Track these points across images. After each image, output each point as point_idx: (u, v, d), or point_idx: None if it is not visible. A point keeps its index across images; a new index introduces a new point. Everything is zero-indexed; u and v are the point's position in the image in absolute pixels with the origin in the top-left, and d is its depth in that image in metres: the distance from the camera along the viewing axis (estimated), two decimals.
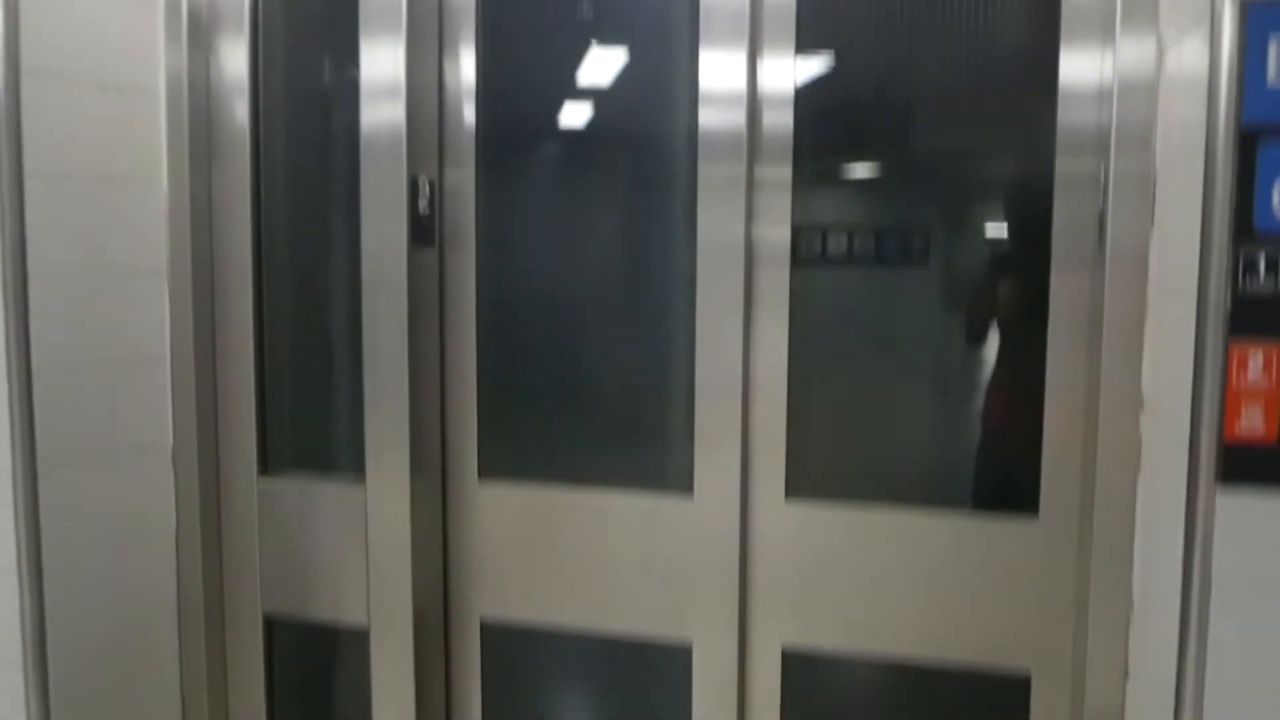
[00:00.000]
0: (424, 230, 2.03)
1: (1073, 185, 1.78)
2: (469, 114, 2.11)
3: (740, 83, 1.94)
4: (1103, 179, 1.72)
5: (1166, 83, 1.61)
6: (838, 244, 1.99)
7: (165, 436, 2.19)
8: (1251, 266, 1.29)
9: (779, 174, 1.96)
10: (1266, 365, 1.30)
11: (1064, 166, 1.79)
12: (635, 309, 2.14)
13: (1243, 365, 1.31)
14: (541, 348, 2.21)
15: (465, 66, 2.11)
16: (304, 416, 2.33)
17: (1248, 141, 1.27)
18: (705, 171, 1.97)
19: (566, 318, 2.19)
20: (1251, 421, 1.31)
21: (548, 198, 2.19)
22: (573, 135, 2.17)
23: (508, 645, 2.22)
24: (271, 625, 2.30)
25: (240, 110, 2.18)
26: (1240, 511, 1.33)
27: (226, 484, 2.26)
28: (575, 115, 2.14)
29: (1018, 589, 1.89)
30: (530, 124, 2.18)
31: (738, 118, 1.94)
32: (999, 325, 1.96)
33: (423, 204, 2.02)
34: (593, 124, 2.14)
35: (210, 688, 2.27)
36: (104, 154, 2.03)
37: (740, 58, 1.94)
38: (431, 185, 2.05)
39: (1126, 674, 1.73)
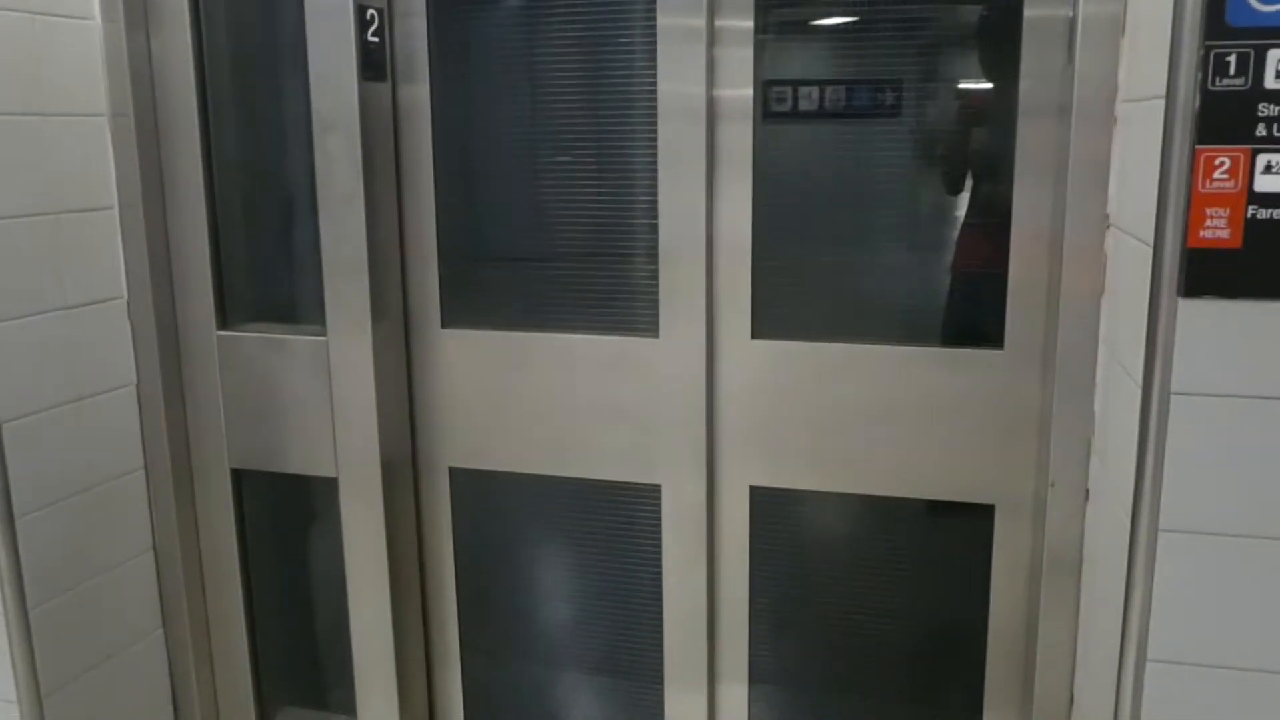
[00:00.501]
0: (375, 63, 1.95)
1: (1042, 10, 1.73)
2: None
3: None
4: None
5: None
6: (805, 96, 1.93)
7: (119, 289, 2.14)
8: (1222, 64, 1.25)
9: (740, 24, 1.90)
10: (1234, 170, 1.27)
11: None
12: (598, 152, 2.08)
13: (1209, 170, 1.28)
14: (502, 189, 2.15)
15: None
16: (261, 265, 2.28)
17: None
18: (664, 21, 1.91)
19: (528, 158, 2.13)
20: (1216, 227, 1.28)
21: (503, 39, 2.10)
22: None
23: (477, 490, 2.23)
24: (240, 477, 2.29)
25: None
26: (1202, 321, 1.31)
27: (185, 337, 2.22)
28: None
29: (982, 422, 1.90)
30: None
31: None
32: (968, 166, 1.92)
33: (371, 34, 1.93)
34: None
35: (182, 542, 2.28)
36: None
37: None
38: (380, 14, 1.95)
39: (1087, 496, 1.75)
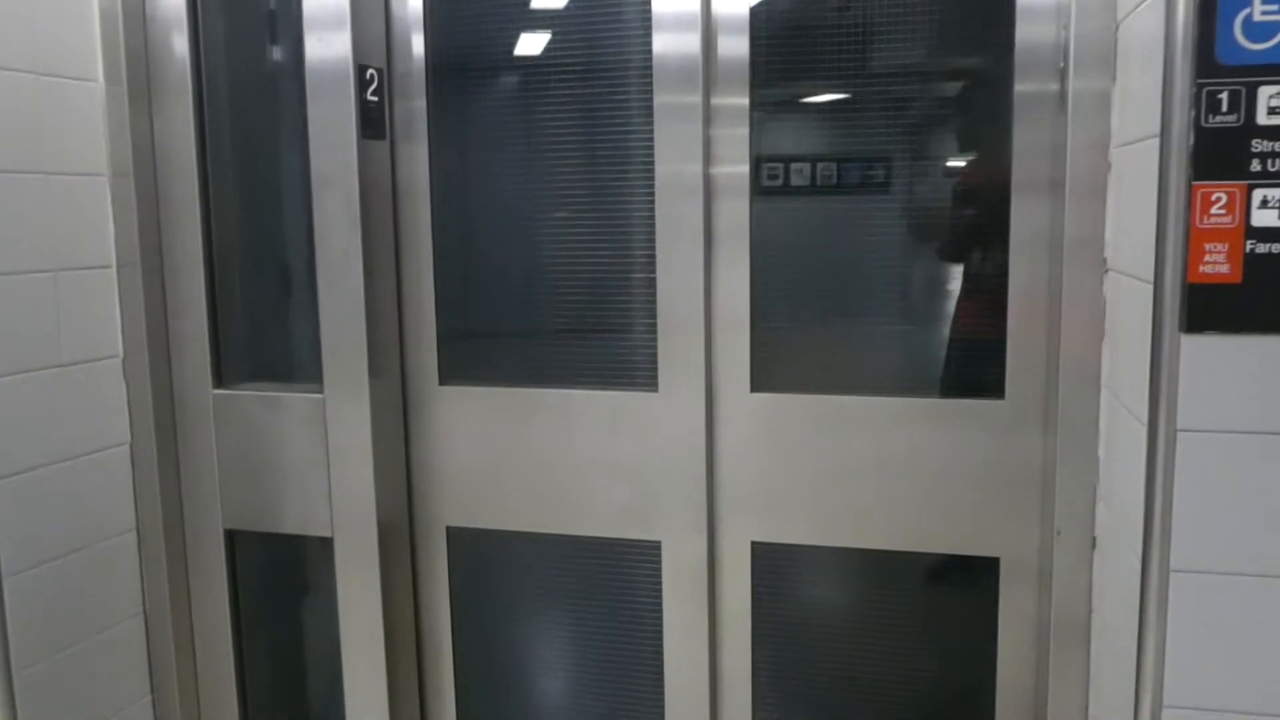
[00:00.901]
0: (374, 122, 1.97)
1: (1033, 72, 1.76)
2: (417, 39, 2.06)
3: (694, 5, 1.90)
4: (1061, 41, 1.69)
5: None
6: (799, 172, 1.96)
7: (115, 348, 2.13)
8: (1215, 101, 1.26)
9: (736, 101, 1.93)
10: (1230, 205, 1.28)
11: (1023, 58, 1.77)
12: (596, 218, 2.09)
13: (1206, 206, 1.28)
14: (502, 249, 2.16)
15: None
16: (258, 323, 2.27)
17: None
18: (661, 99, 1.95)
19: (526, 219, 2.14)
20: (1215, 262, 1.29)
21: (502, 103, 2.13)
22: (524, 58, 2.09)
23: (474, 550, 2.20)
24: (233, 538, 2.26)
25: None
26: (1205, 356, 1.31)
27: (181, 396, 2.21)
28: (528, 37, 2.07)
29: (985, 473, 1.89)
30: (482, 46, 2.11)
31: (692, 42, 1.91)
32: (963, 227, 1.93)
33: (371, 93, 1.95)
34: (544, 44, 2.07)
35: (173, 604, 2.23)
36: (41, 47, 1.94)
37: None
38: (380, 74, 1.98)
39: (1094, 544, 1.73)
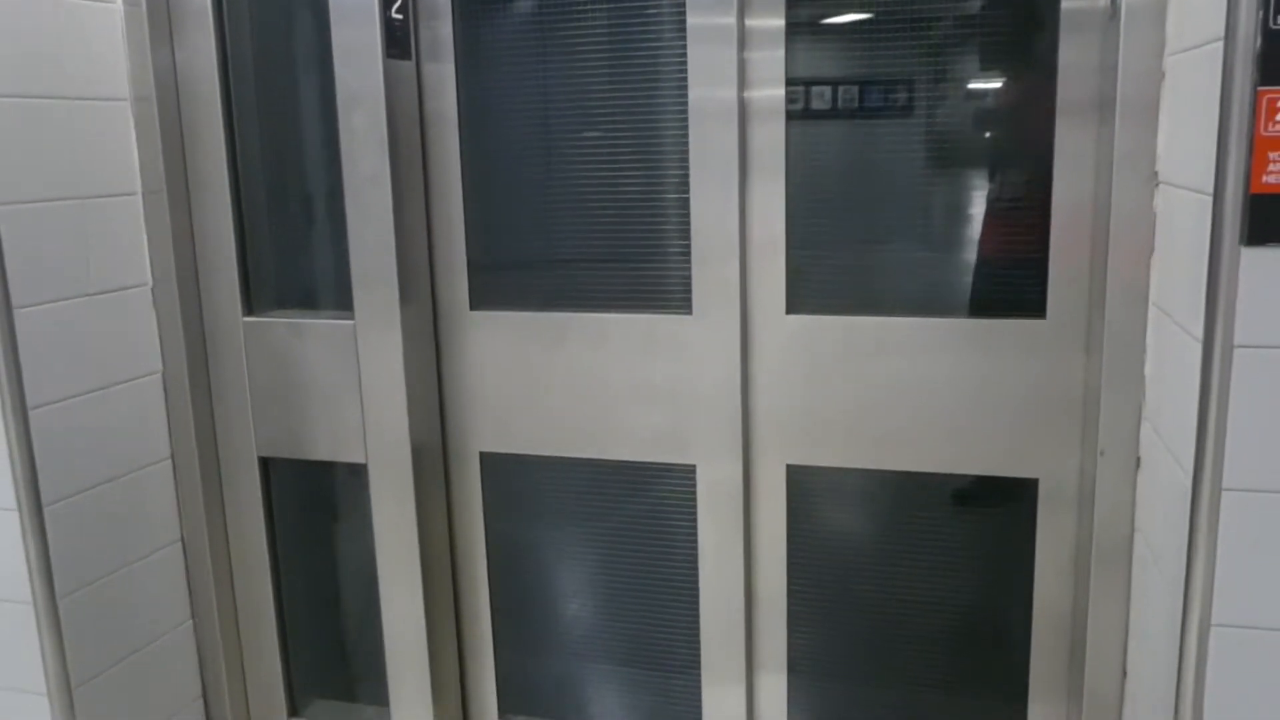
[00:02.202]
0: (399, 40, 1.93)
1: None
2: None
3: None
4: None
5: None
6: (841, 94, 1.91)
7: (144, 276, 2.11)
8: None
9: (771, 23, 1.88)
10: None
11: None
12: (630, 141, 2.04)
13: (1272, 112, 1.24)
14: (531, 171, 2.12)
15: None
16: (287, 250, 2.25)
17: None
18: (694, 21, 1.90)
19: (557, 142, 2.09)
20: (1278, 171, 1.24)
21: (530, 23, 2.07)
22: None
23: (508, 475, 2.20)
24: (268, 465, 2.27)
25: None
26: (1266, 270, 1.27)
27: (211, 324, 2.20)
28: None
29: (1024, 394, 1.86)
30: None
31: None
32: (1008, 143, 1.88)
33: (395, 10, 1.90)
34: None
35: (210, 531, 2.25)
36: None
37: None
38: None
39: (1138, 464, 1.71)
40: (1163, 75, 1.59)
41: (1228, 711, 1.37)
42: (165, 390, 2.17)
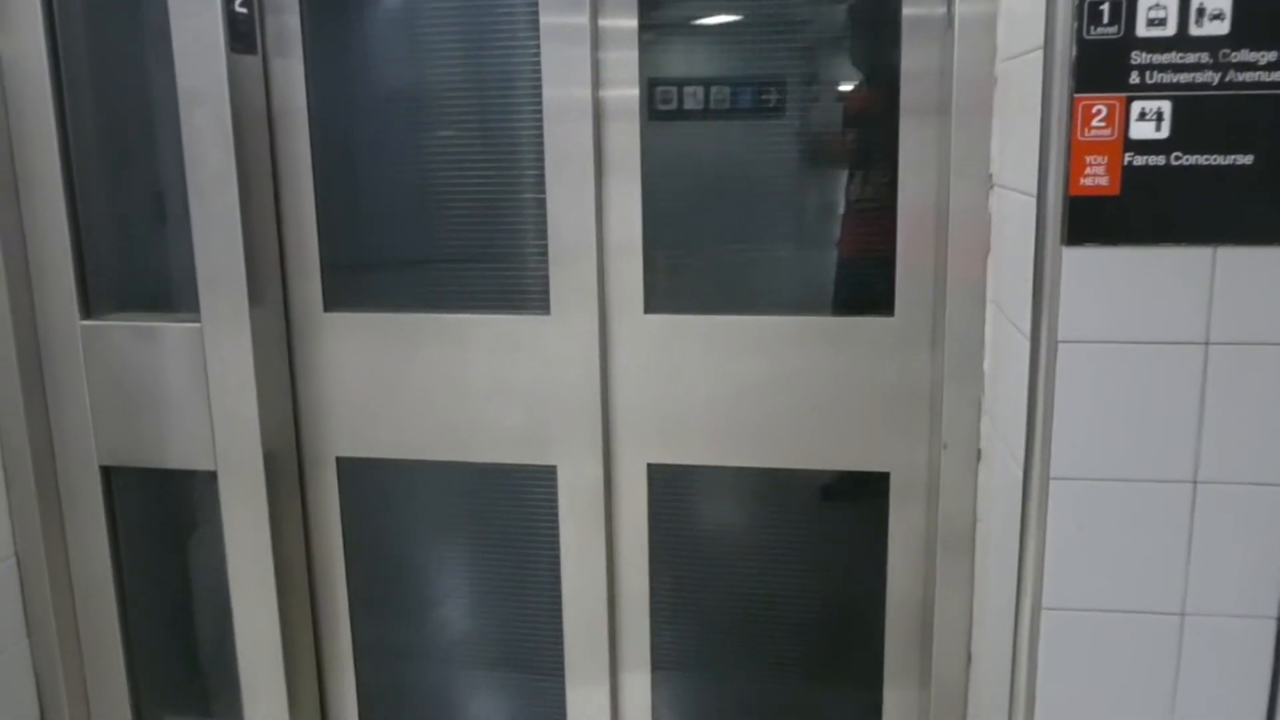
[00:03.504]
0: (243, 35, 1.87)
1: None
2: None
3: None
4: None
5: None
6: (691, 95, 1.93)
7: None
8: (1096, 13, 1.27)
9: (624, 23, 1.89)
10: (1110, 117, 1.29)
11: None
12: (483, 139, 2.02)
13: (1087, 118, 1.30)
14: (385, 170, 2.08)
15: None
16: (128, 251, 2.15)
17: None
18: (547, 21, 1.89)
19: (411, 139, 2.06)
20: (1095, 174, 1.30)
21: (381, 17, 2.03)
22: None
23: (366, 480, 2.16)
24: (110, 475, 2.17)
25: None
26: (1085, 268, 1.33)
27: (45, 328, 2.10)
28: None
29: (876, 390, 1.91)
30: None
31: None
32: (853, 146, 1.93)
33: (239, 4, 1.84)
34: None
35: (47, 544, 2.14)
36: None
37: None
38: None
39: (979, 456, 1.77)
40: (995, 81, 1.65)
41: (1059, 692, 1.43)
42: None
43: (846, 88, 1.90)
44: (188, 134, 1.87)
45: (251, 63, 1.91)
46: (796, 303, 1.96)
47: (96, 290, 2.10)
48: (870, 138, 1.89)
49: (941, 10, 1.74)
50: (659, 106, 1.93)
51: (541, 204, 1.95)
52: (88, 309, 2.09)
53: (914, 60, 1.78)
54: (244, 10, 1.86)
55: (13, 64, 1.99)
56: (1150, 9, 1.27)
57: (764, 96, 1.92)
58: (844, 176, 1.94)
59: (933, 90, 1.77)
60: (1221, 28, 1.26)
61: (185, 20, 1.83)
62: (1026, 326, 1.40)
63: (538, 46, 1.90)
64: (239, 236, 1.90)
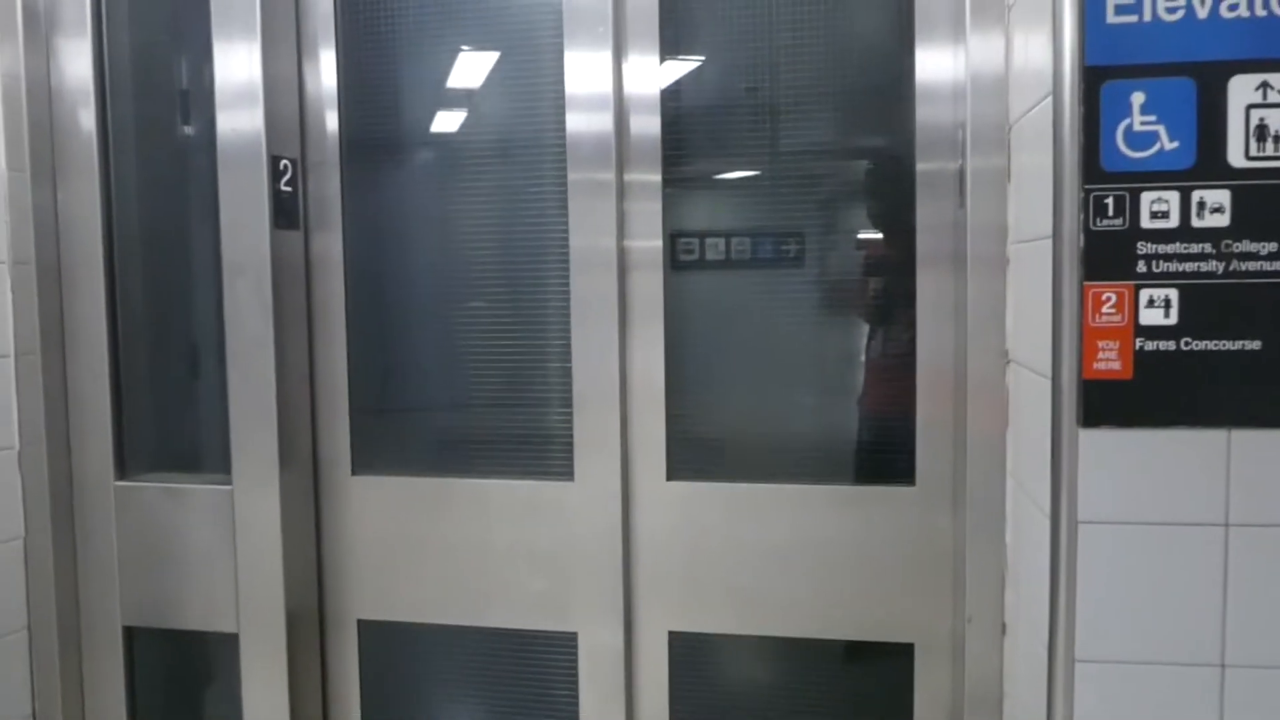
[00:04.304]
0: (287, 211, 1.96)
1: (933, 164, 1.83)
2: (331, 118, 2.06)
3: (606, 86, 1.94)
4: (960, 139, 1.77)
5: (1014, 44, 1.65)
6: (713, 247, 2.00)
7: (10, 439, 2.05)
8: (1101, 206, 1.32)
9: (648, 178, 1.97)
10: (1120, 304, 1.33)
11: (924, 141, 1.84)
12: (511, 301, 2.09)
13: (1098, 305, 1.34)
14: (415, 335, 2.15)
15: (326, 65, 2.06)
16: (164, 413, 2.22)
17: (1092, 82, 1.31)
18: (574, 177, 1.97)
19: (441, 305, 2.13)
20: (1108, 359, 1.34)
21: (416, 189, 2.13)
22: (439, 137, 2.11)
23: (386, 643, 2.15)
24: (132, 635, 2.17)
25: (82, 68, 2.08)
26: (1103, 450, 1.35)
27: (80, 488, 2.14)
28: (442, 116, 2.09)
29: (898, 559, 1.91)
30: (397, 127, 2.12)
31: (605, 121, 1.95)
32: (871, 311, 1.98)
33: (285, 184, 1.94)
34: (459, 124, 2.09)
35: (65, 705, 2.13)
36: None
37: (605, 59, 1.94)
38: (294, 164, 1.98)
39: (1004, 630, 1.75)
40: (1007, 261, 1.70)
41: None
42: (26, 556, 2.08)
43: (865, 250, 1.97)
44: (229, 303, 1.95)
45: (293, 237, 2.01)
46: (818, 469, 1.98)
47: (132, 451, 2.15)
48: (891, 307, 1.94)
49: (954, 189, 1.80)
50: (681, 257, 1.99)
51: (567, 372, 1.99)
52: (123, 469, 2.14)
53: (930, 238, 1.84)
54: (289, 189, 1.96)
55: (69, 229, 2.09)
56: (1153, 202, 1.32)
57: (783, 248, 1.98)
58: (864, 330, 1.98)
59: (949, 267, 1.82)
60: (1222, 220, 1.31)
61: (234, 198, 1.93)
62: (1046, 506, 1.41)
63: (566, 204, 1.98)
64: (273, 402, 1.95)
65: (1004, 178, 1.70)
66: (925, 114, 1.84)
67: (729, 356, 2.03)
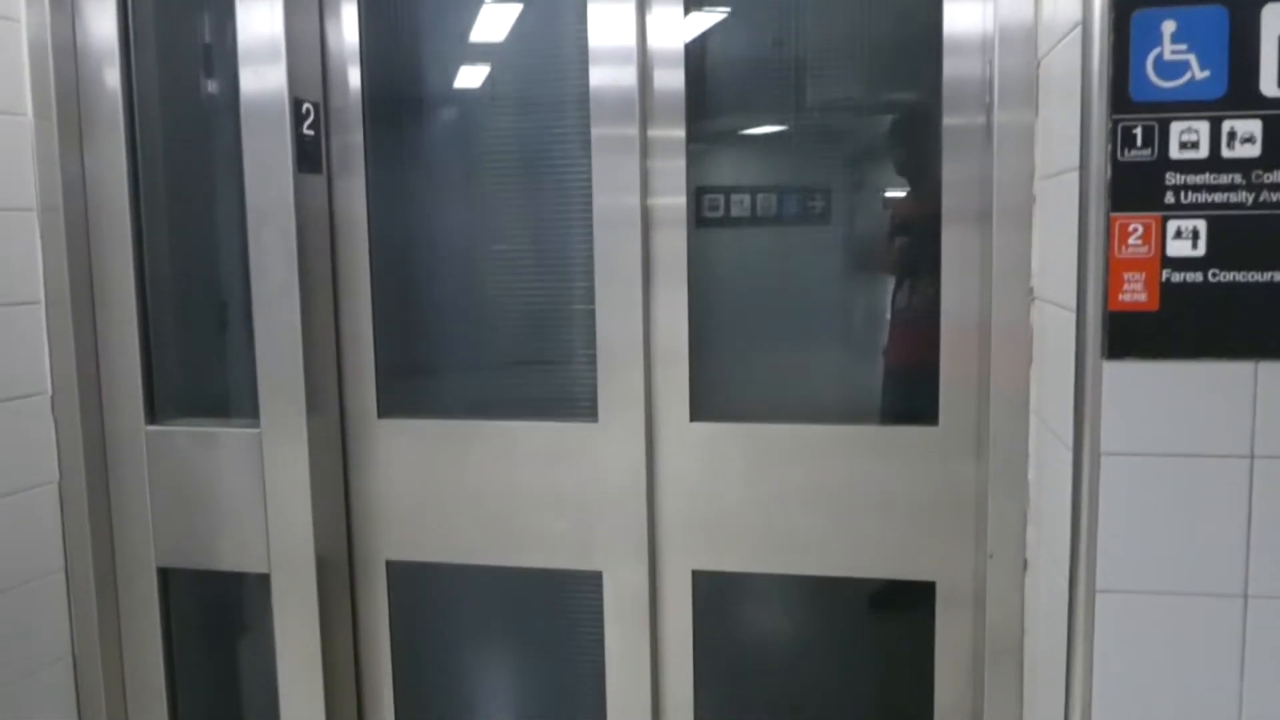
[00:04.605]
0: (310, 156, 1.97)
1: (961, 118, 1.81)
2: (353, 69, 2.06)
3: (630, 39, 1.92)
4: (987, 76, 1.75)
5: None
6: (738, 203, 1.99)
7: (43, 384, 2.09)
8: (1130, 136, 1.31)
9: (673, 133, 1.96)
10: (1146, 235, 1.33)
11: (951, 95, 1.82)
12: (536, 250, 2.10)
13: (1124, 236, 1.33)
14: (441, 282, 2.16)
15: (348, 17, 2.06)
16: (193, 359, 2.24)
17: (1122, 10, 1.29)
18: (598, 132, 1.96)
19: (465, 251, 2.14)
20: (1134, 290, 1.33)
21: (440, 136, 2.13)
22: (461, 91, 2.10)
23: (415, 583, 2.18)
24: (167, 576, 2.21)
25: (107, 25, 2.09)
26: (1126, 382, 1.35)
27: (112, 433, 2.17)
28: (465, 70, 2.09)
29: (921, 499, 1.92)
30: (420, 80, 2.12)
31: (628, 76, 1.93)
32: (897, 254, 1.98)
33: (307, 127, 1.95)
34: (482, 78, 2.09)
35: (103, 644, 2.18)
36: None
37: (629, 11, 1.92)
38: (316, 108, 1.98)
39: (1025, 566, 1.77)
40: (1034, 198, 1.69)
41: None
42: (61, 500, 2.12)
43: (892, 198, 1.96)
44: (254, 249, 1.96)
45: (316, 181, 2.01)
46: (841, 411, 1.98)
47: (162, 397, 2.18)
48: (915, 246, 1.93)
49: (982, 126, 1.79)
50: (705, 214, 1.99)
51: (591, 313, 2.00)
52: (153, 415, 2.17)
53: (956, 173, 1.82)
54: (311, 133, 1.97)
55: (95, 180, 2.10)
56: (1183, 133, 1.31)
57: (806, 205, 1.98)
58: (888, 284, 1.98)
59: (974, 204, 1.81)
60: (1253, 150, 1.30)
61: (256, 143, 1.94)
62: (1069, 439, 1.42)
63: (589, 159, 1.97)
64: (299, 347, 1.97)
65: (1031, 130, 1.69)
66: (953, 66, 1.81)
67: (754, 310, 2.03)
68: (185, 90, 2.20)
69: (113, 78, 2.09)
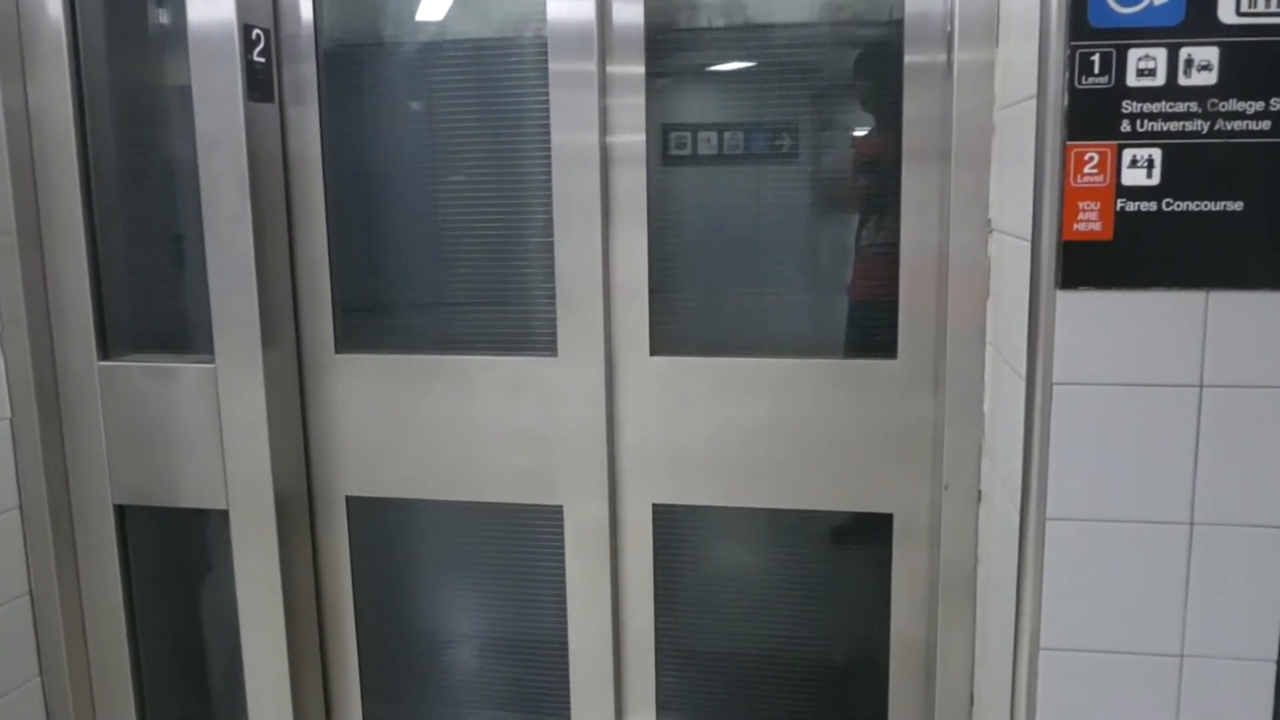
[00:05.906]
0: (261, 84, 1.92)
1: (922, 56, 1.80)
2: (305, 2, 2.01)
3: None
4: (947, 8, 1.73)
5: None
6: (701, 140, 1.97)
7: None
8: (1087, 63, 1.30)
9: (632, 70, 1.93)
10: (1102, 164, 1.33)
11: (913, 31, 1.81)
12: (494, 183, 2.06)
13: (1080, 165, 1.33)
14: (397, 215, 2.13)
15: None
16: (145, 293, 2.20)
17: None
18: (555, 67, 1.93)
19: (422, 183, 2.11)
20: (1088, 220, 1.33)
21: (395, 68, 2.08)
22: (417, 23, 2.05)
23: (376, 518, 2.18)
24: (124, 513, 2.20)
25: None
26: (1079, 312, 1.36)
27: (64, 369, 2.13)
28: (420, 3, 2.04)
29: (879, 432, 1.93)
30: (374, 10, 2.06)
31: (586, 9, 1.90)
32: (859, 201, 1.96)
33: (258, 54, 1.90)
34: (438, 9, 2.04)
35: (61, 582, 2.17)
36: None
37: None
38: (266, 34, 1.93)
39: (979, 497, 1.79)
40: (993, 129, 1.69)
41: None
42: (14, 437, 2.09)
43: (852, 133, 1.94)
44: (205, 179, 1.92)
45: (268, 110, 1.97)
46: (801, 345, 1.99)
47: (114, 331, 2.15)
48: (876, 182, 1.92)
49: (942, 61, 1.78)
50: (669, 151, 1.97)
51: (549, 248, 1.98)
52: (105, 350, 2.14)
53: (916, 107, 1.81)
54: (262, 60, 1.92)
55: (39, 111, 2.05)
56: (1140, 60, 1.30)
57: (765, 142, 1.97)
58: (850, 219, 1.97)
59: (934, 137, 1.80)
60: (1209, 78, 1.29)
61: (205, 70, 1.89)
62: (1023, 369, 1.43)
63: (547, 95, 1.94)
64: (253, 279, 1.94)
65: (990, 65, 1.68)
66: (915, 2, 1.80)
67: (713, 247, 2.02)
68: (131, 16, 2.13)
69: (55, 4, 2.02)
